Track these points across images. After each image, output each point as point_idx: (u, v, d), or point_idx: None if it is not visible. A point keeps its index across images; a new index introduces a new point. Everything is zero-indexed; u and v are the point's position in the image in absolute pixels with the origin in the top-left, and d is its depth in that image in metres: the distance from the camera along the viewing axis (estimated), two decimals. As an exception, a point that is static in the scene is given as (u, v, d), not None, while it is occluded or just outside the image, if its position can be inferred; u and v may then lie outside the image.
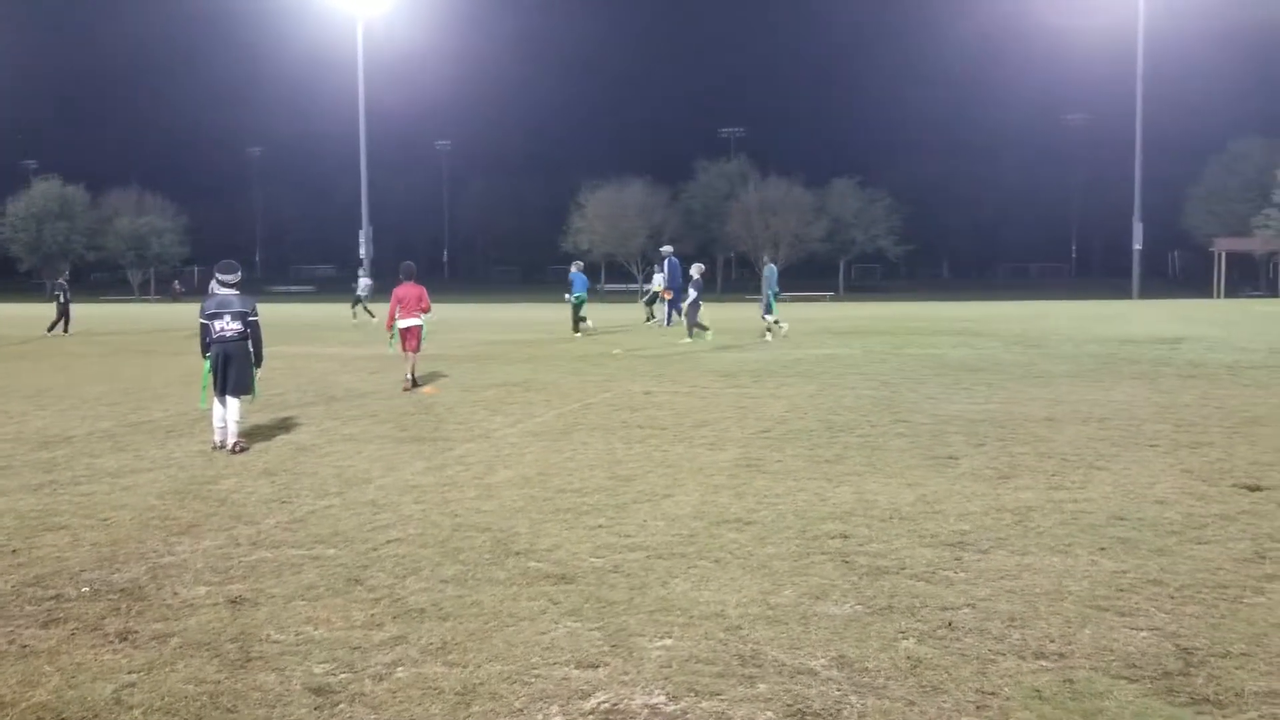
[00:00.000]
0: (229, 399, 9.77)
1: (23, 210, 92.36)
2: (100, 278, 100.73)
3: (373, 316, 33.54)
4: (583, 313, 27.73)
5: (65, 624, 5.03)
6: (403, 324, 14.90)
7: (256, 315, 10.15)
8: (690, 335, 23.71)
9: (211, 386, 9.85)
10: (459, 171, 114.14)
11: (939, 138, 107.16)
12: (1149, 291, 67.98)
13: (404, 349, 14.97)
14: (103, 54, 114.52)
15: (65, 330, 28.96)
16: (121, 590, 5.55)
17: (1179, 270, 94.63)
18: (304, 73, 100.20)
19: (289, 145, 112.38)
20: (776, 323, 25.14)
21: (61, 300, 29.32)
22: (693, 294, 24.39)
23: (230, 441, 9.71)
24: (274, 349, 21.96)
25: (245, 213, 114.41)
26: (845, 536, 6.46)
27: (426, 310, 15.18)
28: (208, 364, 9.92)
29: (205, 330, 9.93)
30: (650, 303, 33.04)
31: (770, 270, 25.46)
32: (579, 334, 26.92)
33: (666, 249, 30.41)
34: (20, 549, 6.35)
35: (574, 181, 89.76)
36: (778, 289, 25.63)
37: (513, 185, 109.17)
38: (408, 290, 14.96)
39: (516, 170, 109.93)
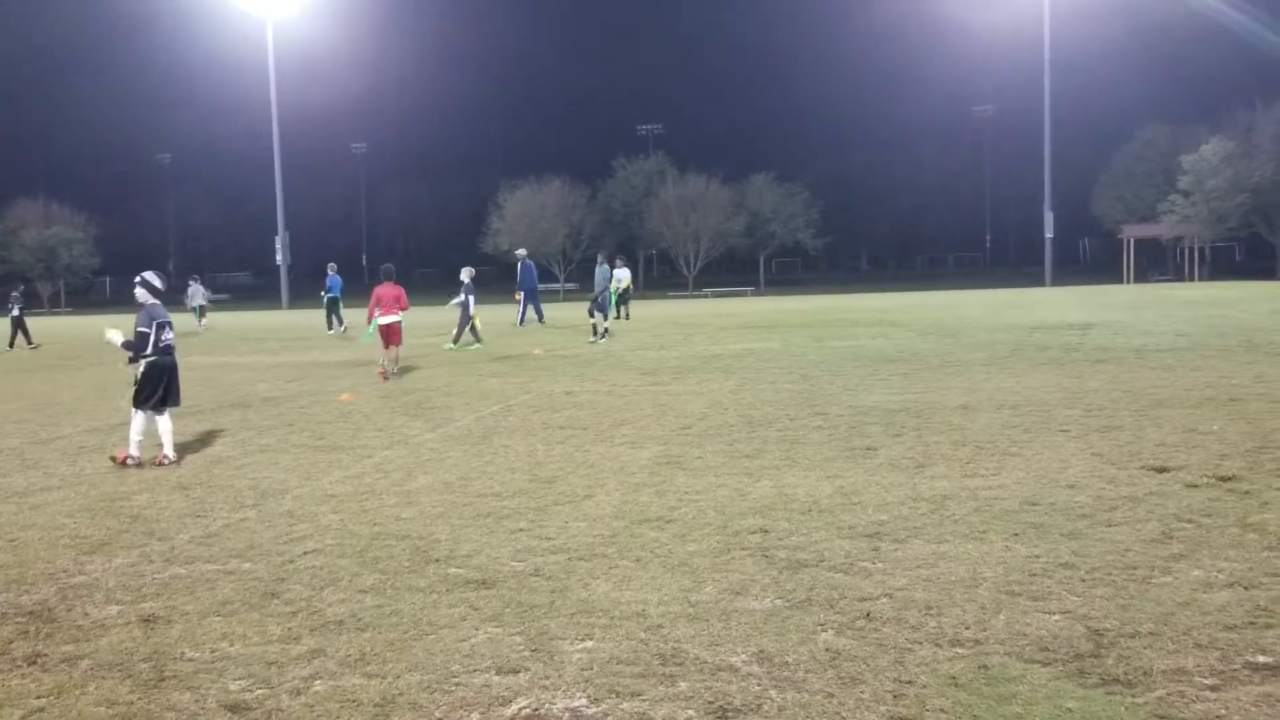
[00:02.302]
0: (166, 412, 9.56)
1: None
2: (6, 292, 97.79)
3: (200, 328, 33.19)
4: (339, 314, 30.75)
5: (-31, 651, 4.88)
6: (383, 321, 16.45)
7: None
8: (455, 342, 22.61)
9: (149, 400, 9.48)
10: (376, 174, 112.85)
11: (854, 132, 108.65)
12: (1061, 278, 69.55)
13: (384, 344, 16.50)
14: (3, 61, 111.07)
15: (11, 345, 28.19)
16: (30, 612, 5.39)
17: (1089, 256, 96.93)
18: (214, 77, 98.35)
19: (201, 151, 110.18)
20: (599, 328, 24.16)
21: (16, 315, 28.74)
22: (462, 297, 22.90)
23: (170, 454, 9.48)
24: (188, 359, 21.54)
25: (157, 221, 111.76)
26: (765, 531, 6.52)
27: (404, 308, 16.79)
28: (142, 372, 9.46)
29: (152, 338, 9.43)
30: (612, 303, 33.03)
31: (605, 271, 25.67)
32: (331, 332, 30.11)
33: (520, 251, 32.61)
34: (-79, 575, 6.14)
35: (492, 182, 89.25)
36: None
37: (431, 187, 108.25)
38: (386, 290, 16.57)
39: (435, 172, 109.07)
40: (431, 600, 5.39)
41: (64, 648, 4.88)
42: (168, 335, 9.59)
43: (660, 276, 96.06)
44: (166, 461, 9.40)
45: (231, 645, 4.84)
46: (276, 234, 73.77)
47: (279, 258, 73.50)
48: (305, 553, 6.38)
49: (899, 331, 23.45)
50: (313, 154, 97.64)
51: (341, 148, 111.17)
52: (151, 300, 9.58)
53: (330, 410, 12.93)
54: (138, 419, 9.49)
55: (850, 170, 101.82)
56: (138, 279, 9.65)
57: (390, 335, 16.53)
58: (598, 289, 24.76)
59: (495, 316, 32.55)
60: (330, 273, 31.59)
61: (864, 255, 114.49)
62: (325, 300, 31.34)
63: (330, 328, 30.75)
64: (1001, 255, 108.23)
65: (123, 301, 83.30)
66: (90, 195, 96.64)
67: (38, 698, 4.30)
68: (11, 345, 28.13)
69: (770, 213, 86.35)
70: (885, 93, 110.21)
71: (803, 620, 4.93)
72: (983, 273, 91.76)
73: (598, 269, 25.87)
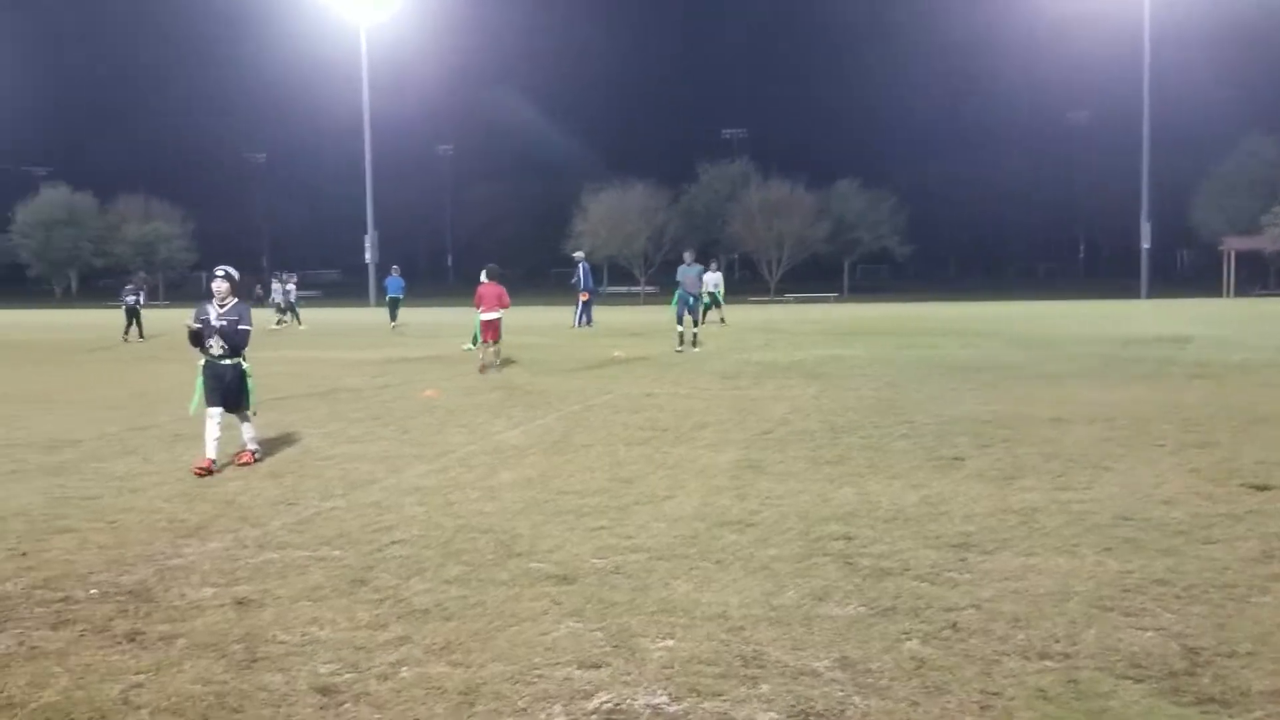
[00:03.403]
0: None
1: (31, 217, 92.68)
2: (109, 284, 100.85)
3: (296, 323, 34.00)
4: (398, 313, 33.86)
5: (74, 625, 5.04)
6: (484, 317, 17.25)
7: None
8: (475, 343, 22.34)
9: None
10: (461, 175, 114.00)
11: (941, 138, 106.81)
12: (1157, 291, 67.85)
13: (484, 338, 17.39)
14: (109, 62, 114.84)
15: (140, 335, 28.46)
16: (129, 592, 5.56)
17: (1187, 269, 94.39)
18: (308, 79, 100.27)
19: (294, 151, 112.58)
20: (686, 335, 21.13)
21: (131, 304, 29.04)
22: None
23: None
24: (279, 353, 22.02)
25: (250, 218, 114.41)
26: (848, 538, 6.46)
27: (506, 306, 17.46)
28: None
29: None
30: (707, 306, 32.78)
31: (694, 270, 21.41)
32: (393, 325, 32.94)
33: (579, 254, 33.34)
34: (30, 551, 6.37)
35: (575, 184, 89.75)
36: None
37: (515, 189, 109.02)
38: (489, 289, 17.31)
39: (517, 174, 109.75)
40: (514, 593, 5.45)
41: (161, 627, 5.02)
42: None
43: (741, 281, 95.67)
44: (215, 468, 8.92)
45: (321, 630, 4.94)
46: (365, 233, 75.06)
47: (368, 256, 74.72)
48: (392, 542, 6.48)
49: (988, 341, 23.08)
50: (400, 155, 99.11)
51: (427, 149, 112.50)
52: (235, 297, 9.24)
53: (415, 405, 13.13)
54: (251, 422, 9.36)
55: (937, 176, 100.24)
56: (222, 271, 9.25)
57: (491, 331, 17.33)
58: (684, 291, 20.99)
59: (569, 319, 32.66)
60: (392, 274, 34.60)
61: (952, 263, 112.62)
62: (387, 299, 34.54)
63: (393, 322, 33.42)
64: (1094, 265, 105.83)
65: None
66: (188, 192, 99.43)
67: (136, 674, 4.43)
68: (132, 336, 28.37)
69: (856, 219, 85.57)
70: (975, 98, 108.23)
71: (887, 628, 4.87)
72: (1075, 284, 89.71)
73: (684, 269, 21.36)
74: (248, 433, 9.28)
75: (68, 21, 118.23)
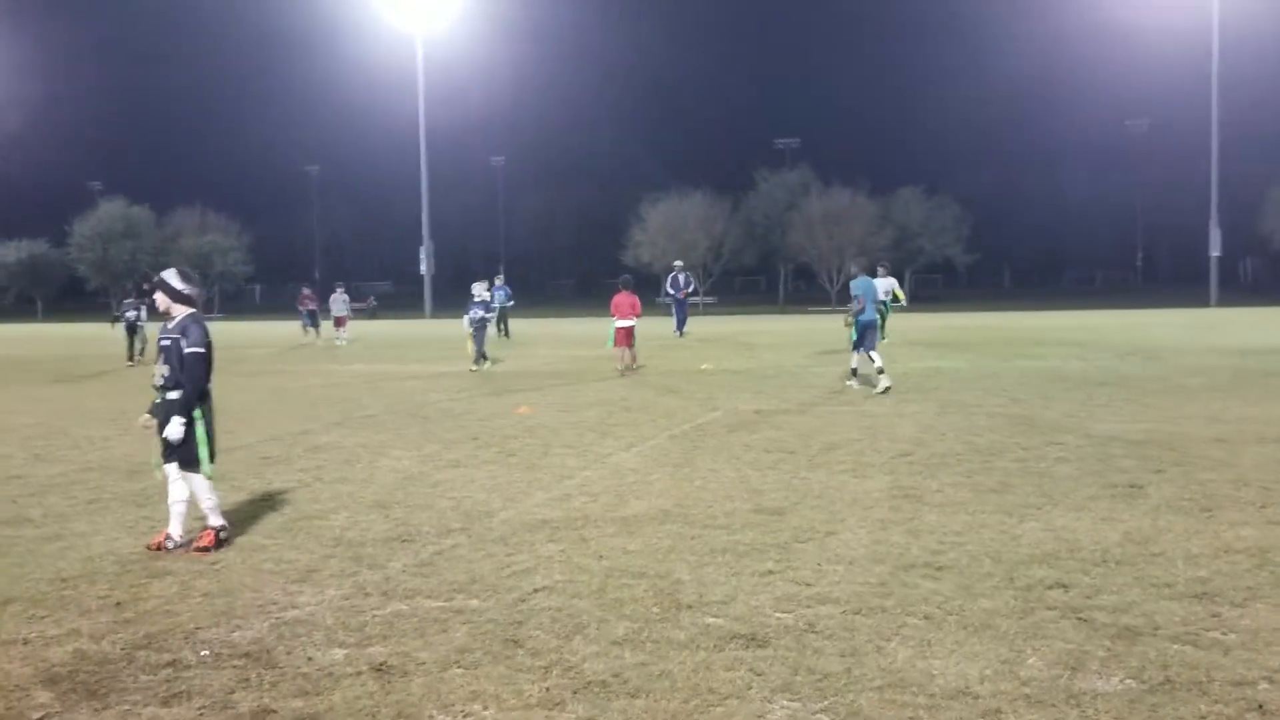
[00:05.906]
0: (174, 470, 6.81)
1: (89, 230, 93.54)
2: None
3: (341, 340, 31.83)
4: (503, 324, 32.96)
5: (189, 700, 4.27)
6: (620, 324, 18.74)
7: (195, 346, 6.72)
8: (476, 363, 20.29)
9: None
10: (515, 187, 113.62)
11: (996, 145, 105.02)
12: (1224, 299, 65.72)
13: (619, 344, 18.78)
14: (166, 75, 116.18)
15: (140, 353, 24.30)
16: (246, 654, 4.78)
17: (1251, 278, 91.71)
18: (364, 91, 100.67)
19: (349, 163, 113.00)
20: (875, 360, 15.21)
21: (131, 319, 24.93)
22: (480, 314, 20.52)
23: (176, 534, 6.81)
24: (348, 367, 21.40)
25: (304, 230, 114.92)
26: (1064, 586, 5.54)
27: (638, 314, 19.06)
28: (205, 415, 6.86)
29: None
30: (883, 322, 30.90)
31: (867, 284, 15.83)
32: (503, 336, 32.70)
33: (678, 263, 34.35)
34: (125, 601, 5.62)
35: (631, 194, 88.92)
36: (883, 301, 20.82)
37: (568, 199, 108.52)
38: (624, 298, 18.86)
39: (571, 183, 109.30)
40: (701, 659, 4.60)
41: (294, 702, 4.22)
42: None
43: (797, 290, 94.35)
44: (171, 545, 6.71)
45: (485, 708, 4.12)
46: (419, 244, 74.66)
47: (423, 267, 74.27)
48: (535, 590, 5.66)
49: (1091, 352, 21.91)
50: (453, 166, 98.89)
51: (481, 159, 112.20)
52: (189, 309, 6.87)
53: (512, 423, 12.31)
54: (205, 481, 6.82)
55: (994, 184, 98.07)
56: (156, 279, 6.97)
57: (626, 337, 18.74)
58: (855, 309, 15.51)
59: (654, 330, 31.88)
60: (496, 283, 31.88)
61: (1007, 272, 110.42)
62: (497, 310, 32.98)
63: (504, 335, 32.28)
64: (1153, 274, 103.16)
65: (272, 308, 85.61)
66: (244, 204, 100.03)
67: (276, 769, 3.63)
68: (131, 358, 24.50)
69: (918, 227, 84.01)
70: (1030, 105, 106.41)
71: (1178, 711, 3.97)
72: (1134, 292, 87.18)
73: (855, 282, 15.94)
74: (204, 500, 6.81)
75: (122, 37, 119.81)
